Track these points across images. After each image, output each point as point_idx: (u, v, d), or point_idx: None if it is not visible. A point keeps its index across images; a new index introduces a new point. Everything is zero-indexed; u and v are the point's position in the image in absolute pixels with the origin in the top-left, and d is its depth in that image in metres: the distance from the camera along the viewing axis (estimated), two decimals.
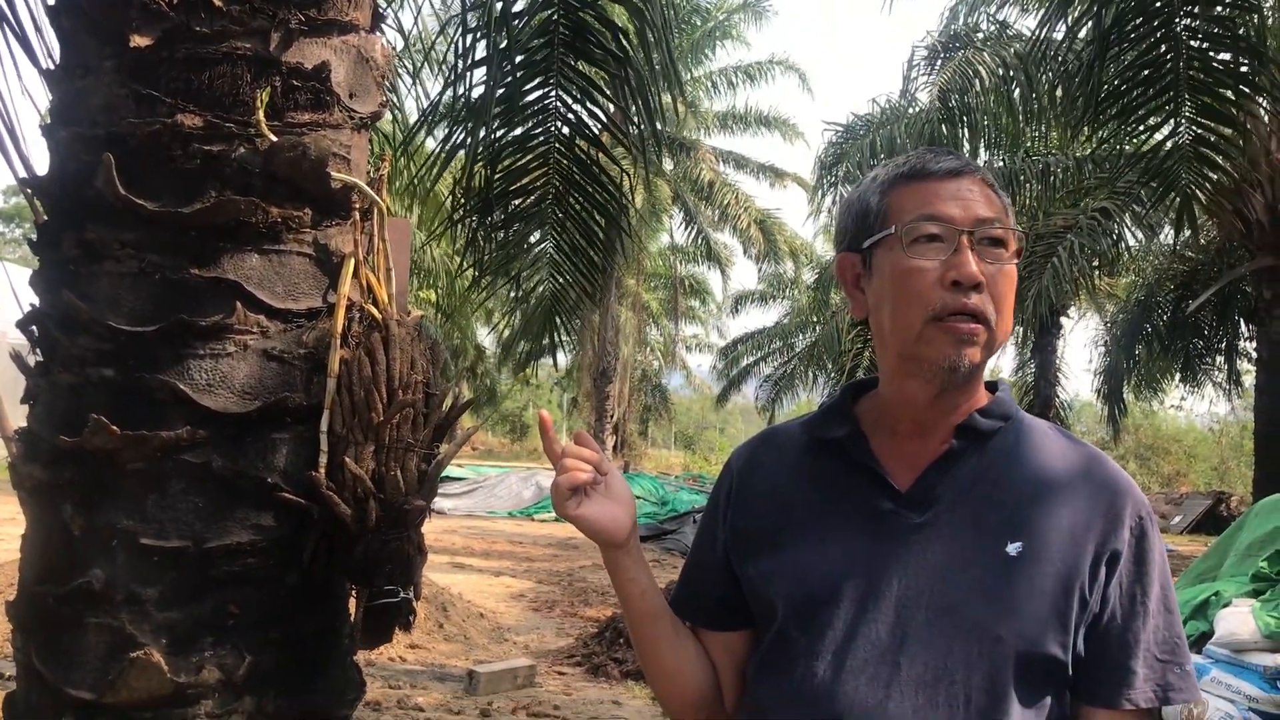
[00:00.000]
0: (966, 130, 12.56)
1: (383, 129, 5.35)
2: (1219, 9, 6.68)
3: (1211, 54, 6.91)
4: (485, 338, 33.16)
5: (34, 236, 2.33)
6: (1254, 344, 15.27)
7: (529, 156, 4.95)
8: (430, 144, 5.32)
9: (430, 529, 2.31)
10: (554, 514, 1.63)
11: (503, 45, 4.02)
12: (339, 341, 2.25)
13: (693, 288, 38.03)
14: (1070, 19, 7.59)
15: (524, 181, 5.04)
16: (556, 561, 14.39)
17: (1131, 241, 15.25)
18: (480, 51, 4.18)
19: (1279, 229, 11.96)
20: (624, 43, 4.47)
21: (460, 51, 4.11)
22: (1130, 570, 1.45)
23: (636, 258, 27.70)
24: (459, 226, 5.08)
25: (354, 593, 2.35)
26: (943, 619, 1.42)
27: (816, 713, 1.45)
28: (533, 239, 5.57)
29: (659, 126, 4.71)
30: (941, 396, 1.48)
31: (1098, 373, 20.84)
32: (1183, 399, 25.60)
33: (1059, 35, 8.06)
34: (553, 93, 4.68)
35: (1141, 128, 7.58)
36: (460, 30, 4.11)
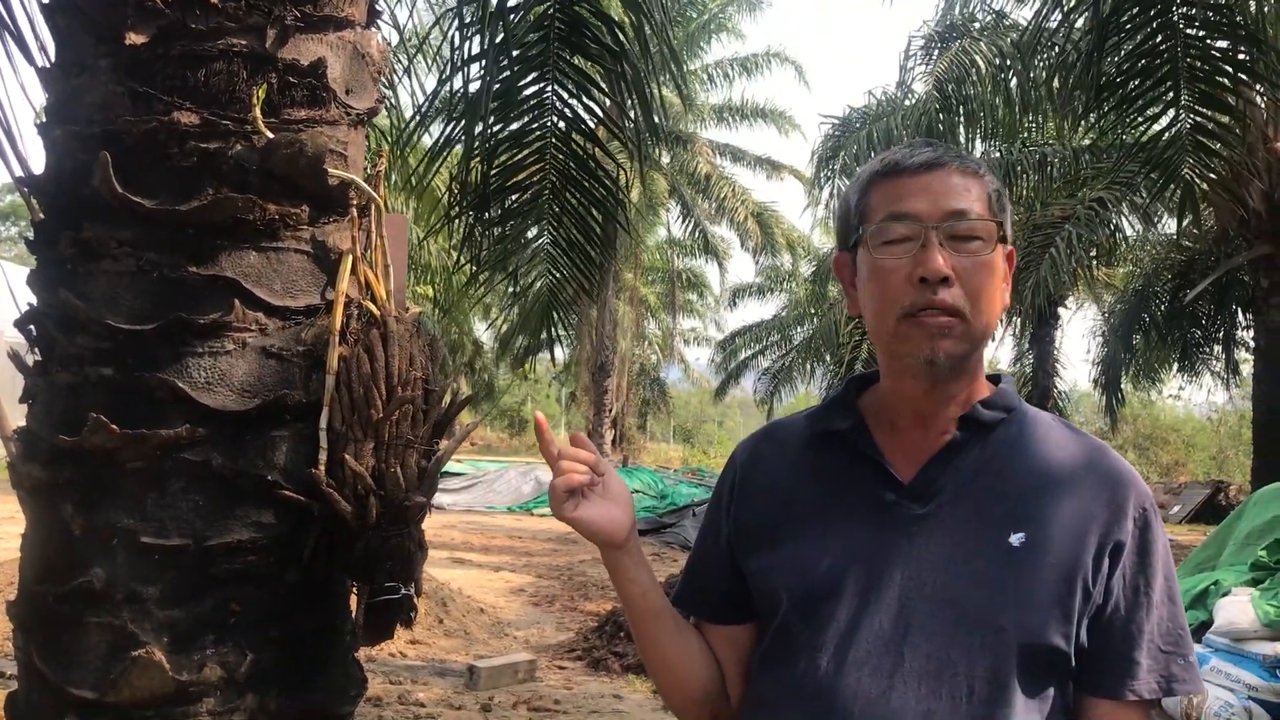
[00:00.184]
0: (963, 120, 12.56)
1: (378, 124, 5.34)
2: None
3: (1209, 42, 6.90)
4: (483, 333, 33.17)
5: (31, 235, 2.32)
6: (1252, 333, 15.29)
7: (525, 152, 4.95)
8: (426, 139, 5.32)
9: (429, 524, 2.31)
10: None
11: (498, 40, 4.01)
12: (338, 338, 2.25)
13: (690, 281, 38.08)
14: (1066, 7, 7.59)
15: (520, 177, 5.04)
16: (556, 556, 14.40)
17: (1129, 231, 15.25)
18: (476, 47, 4.18)
19: (1276, 218, 11.97)
20: (620, 37, 4.47)
21: (456, 46, 4.10)
22: (1133, 561, 1.46)
23: (634, 251, 27.71)
24: (456, 222, 5.07)
25: (355, 590, 2.35)
26: (945, 610, 1.43)
27: (819, 705, 1.45)
28: (530, 234, 5.57)
29: (657, 120, 4.70)
30: (935, 389, 1.49)
31: (1095, 363, 20.87)
32: (1181, 388, 25.65)
33: (1055, 24, 8.05)
34: (549, 88, 4.67)
35: (1140, 117, 7.58)
36: (456, 25, 4.10)
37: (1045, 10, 7.86)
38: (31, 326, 2.30)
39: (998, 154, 13.93)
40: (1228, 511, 12.17)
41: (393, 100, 5.52)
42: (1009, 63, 11.66)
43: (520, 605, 10.66)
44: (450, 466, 20.16)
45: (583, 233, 5.43)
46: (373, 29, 2.54)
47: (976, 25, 13.56)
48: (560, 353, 7.04)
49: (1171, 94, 6.99)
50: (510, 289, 6.19)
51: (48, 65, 2.39)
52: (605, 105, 4.99)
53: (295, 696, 2.23)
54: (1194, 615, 6.61)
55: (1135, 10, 6.61)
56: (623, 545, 1.60)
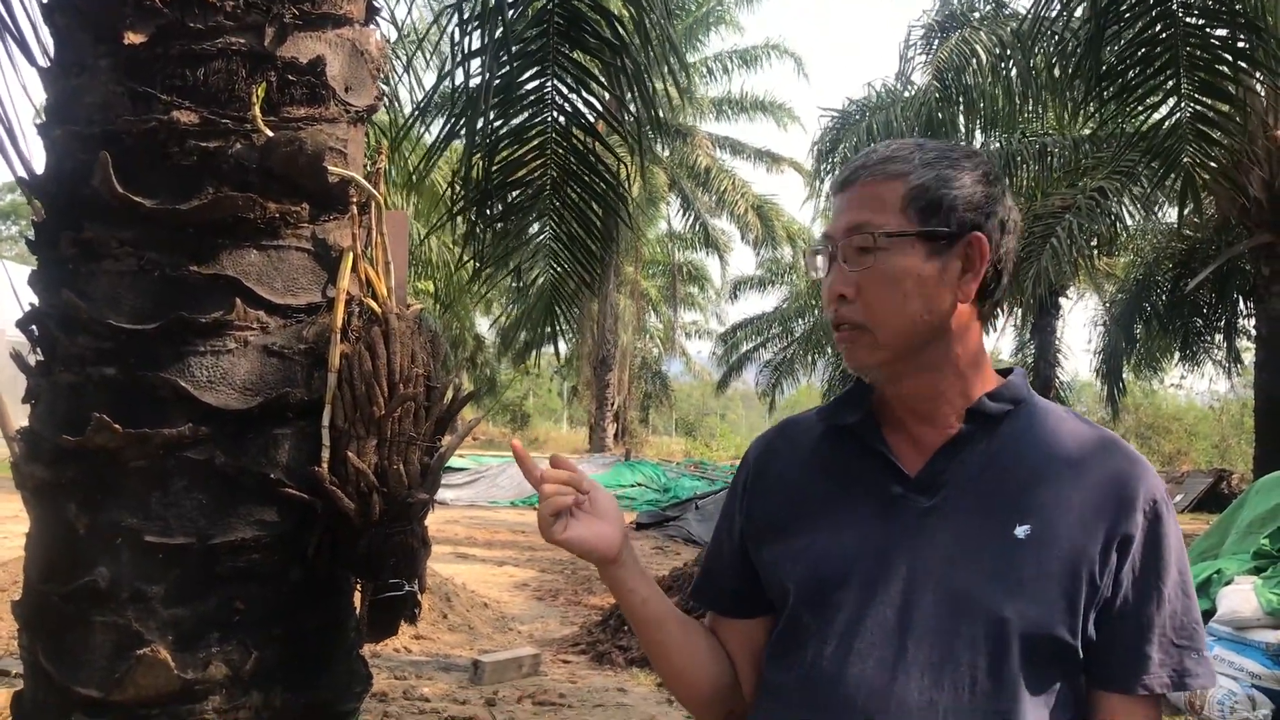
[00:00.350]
0: (963, 110, 12.55)
1: (377, 120, 5.34)
2: None
3: (1209, 30, 6.89)
4: (485, 328, 33.17)
5: (32, 235, 2.32)
6: (1253, 321, 15.27)
7: (526, 147, 4.95)
8: (426, 136, 5.32)
9: (433, 520, 2.32)
10: None
11: (498, 35, 4.01)
12: (339, 336, 2.25)
13: (691, 274, 38.08)
14: None
15: (522, 173, 5.03)
16: (559, 550, 14.33)
17: (1129, 221, 15.22)
18: (476, 42, 4.17)
19: (1277, 206, 11.96)
20: (619, 30, 4.46)
21: (456, 42, 4.10)
22: (1143, 555, 1.45)
23: (634, 245, 27.71)
24: (458, 219, 5.07)
25: (359, 586, 2.35)
26: (949, 602, 1.43)
27: (824, 695, 1.46)
28: (532, 230, 5.57)
29: (659, 114, 4.70)
30: (891, 389, 1.54)
31: (1097, 352, 20.85)
32: (1182, 377, 25.60)
33: (1054, 13, 8.03)
34: (549, 82, 4.67)
35: (1140, 106, 7.56)
36: (456, 20, 4.10)
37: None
38: (33, 326, 2.30)
39: (998, 144, 13.91)
40: (1230, 500, 12.18)
41: (392, 97, 5.52)
42: (1009, 53, 11.64)
43: (524, 600, 10.68)
44: (453, 461, 20.15)
45: (584, 227, 5.43)
46: (371, 26, 2.54)
47: (976, 15, 13.55)
48: (563, 347, 7.03)
49: (1171, 82, 6.98)
50: (514, 284, 6.20)
51: (48, 65, 2.39)
52: (605, 99, 4.99)
53: (300, 693, 2.24)
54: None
55: None
56: (616, 559, 1.61)
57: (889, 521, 1.50)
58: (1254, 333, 14.89)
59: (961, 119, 12.73)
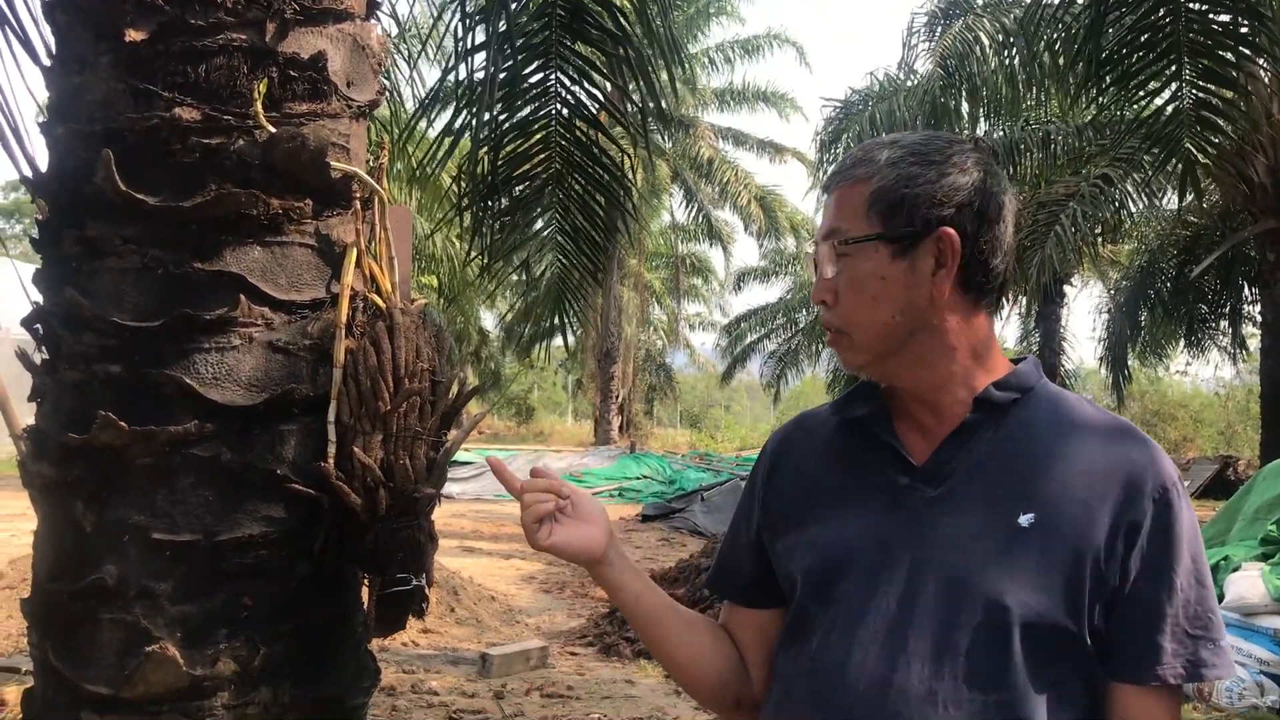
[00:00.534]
0: (967, 98, 12.52)
1: (379, 116, 5.34)
2: None
3: (1211, 15, 6.86)
4: (489, 322, 33.17)
5: (35, 233, 2.33)
6: (1258, 307, 15.22)
7: (531, 141, 4.94)
8: (430, 131, 5.31)
9: (439, 514, 2.32)
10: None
11: (501, 29, 4.01)
12: (344, 332, 2.25)
13: (695, 266, 38.04)
14: None
15: (527, 166, 5.03)
16: None
17: (1133, 208, 15.18)
18: (479, 36, 4.17)
19: None
20: (622, 21, 4.46)
21: (459, 36, 4.10)
22: (1153, 542, 1.42)
23: (638, 237, 27.68)
24: (465, 214, 5.07)
25: (366, 581, 2.36)
26: (951, 590, 1.42)
27: (827, 683, 1.47)
28: (539, 223, 5.57)
29: (662, 104, 4.69)
30: (895, 384, 1.55)
31: (1101, 340, 20.78)
32: (1188, 364, 25.57)
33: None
34: (553, 75, 4.66)
35: (1142, 92, 7.54)
36: (459, 15, 4.10)
37: None
38: (38, 325, 2.30)
39: (1001, 132, 13.88)
40: (1236, 487, 12.15)
41: (394, 92, 5.52)
42: (1012, 40, 11.61)
43: (531, 592, 10.68)
44: (459, 456, 20.17)
45: (588, 219, 5.42)
46: (372, 21, 2.54)
47: (980, 1, 13.51)
48: (564, 340, 7.04)
49: (1172, 69, 6.95)
50: (523, 277, 6.20)
51: (50, 63, 2.39)
52: (609, 91, 4.99)
53: (309, 688, 2.25)
54: None
55: None
56: (603, 559, 1.63)
57: (895, 512, 1.50)
58: (1259, 319, 14.84)
59: (965, 106, 12.69)
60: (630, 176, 5.38)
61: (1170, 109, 7.33)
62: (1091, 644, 1.43)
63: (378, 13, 2.65)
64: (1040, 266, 13.92)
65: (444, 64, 4.41)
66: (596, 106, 4.93)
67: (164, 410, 2.14)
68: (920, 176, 1.48)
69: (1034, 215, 13.78)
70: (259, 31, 2.23)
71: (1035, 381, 1.54)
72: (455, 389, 2.34)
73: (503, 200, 5.11)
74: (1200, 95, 7.20)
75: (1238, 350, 19.66)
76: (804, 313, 29.73)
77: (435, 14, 5.02)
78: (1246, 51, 7.13)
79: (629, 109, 4.91)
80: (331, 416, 2.22)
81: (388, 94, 3.98)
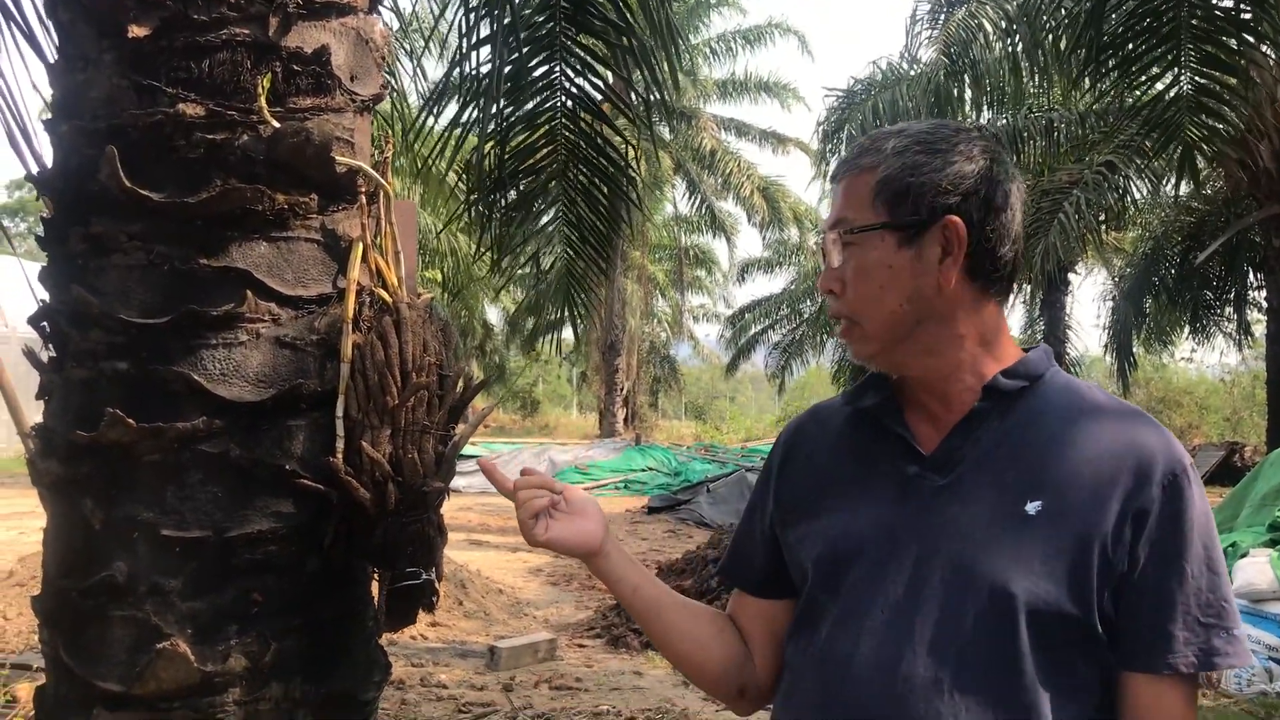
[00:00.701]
0: (970, 86, 12.48)
1: (381, 111, 5.33)
2: None
3: (1213, 1, 6.83)
4: (493, 315, 33.17)
5: (40, 231, 2.32)
6: (1264, 293, 15.19)
7: (537, 133, 4.94)
8: (433, 125, 5.30)
9: (446, 507, 2.33)
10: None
11: (506, 22, 4.00)
12: (351, 326, 2.25)
13: (698, 257, 38.01)
14: None
15: (533, 160, 5.03)
16: None
17: (1138, 195, 15.14)
18: (484, 30, 4.16)
19: None
20: (624, 12, 4.45)
21: (464, 31, 4.09)
22: (1162, 528, 1.41)
23: (641, 229, 27.65)
24: (473, 208, 5.07)
25: (376, 576, 2.36)
26: (957, 578, 1.43)
27: (834, 672, 1.47)
28: (546, 216, 5.57)
29: (666, 95, 4.68)
30: (904, 373, 1.55)
31: (1106, 328, 20.76)
32: (1193, 351, 25.55)
33: None
34: (557, 67, 4.66)
35: (1143, 78, 7.51)
36: (463, 9, 4.09)
37: None
38: (45, 323, 2.30)
39: (1005, 120, 13.84)
40: (1243, 473, 12.14)
41: (395, 89, 5.51)
42: (1015, 26, 11.56)
43: (538, 585, 10.71)
44: (465, 449, 20.22)
45: (594, 210, 5.42)
46: (375, 14, 2.53)
47: None
48: (574, 332, 7.06)
49: (1173, 54, 6.93)
50: (533, 270, 6.21)
51: (53, 60, 2.39)
52: (613, 82, 4.98)
53: (320, 683, 2.25)
54: None
55: None
56: (600, 551, 1.67)
57: (904, 501, 1.50)
58: (1264, 305, 14.82)
59: (969, 94, 12.66)
60: (634, 167, 5.38)
61: (1170, 95, 7.31)
62: (1103, 632, 1.42)
63: (380, 6, 2.65)
64: (1044, 254, 13.90)
65: (446, 59, 4.41)
66: (600, 98, 4.93)
67: (172, 407, 2.13)
68: (926, 165, 1.48)
69: (1037, 203, 13.75)
70: (262, 26, 2.23)
71: (1045, 369, 1.54)
72: (462, 383, 2.33)
73: (510, 194, 5.12)
74: (1202, 81, 7.18)
75: (1243, 336, 19.65)
76: (808, 303, 29.71)
77: (439, 9, 5.00)
78: (1249, 38, 7.11)
79: (633, 99, 4.90)
80: (339, 412, 2.21)
81: (390, 90, 3.96)
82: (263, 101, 2.19)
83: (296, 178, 2.25)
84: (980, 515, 1.45)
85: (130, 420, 2.08)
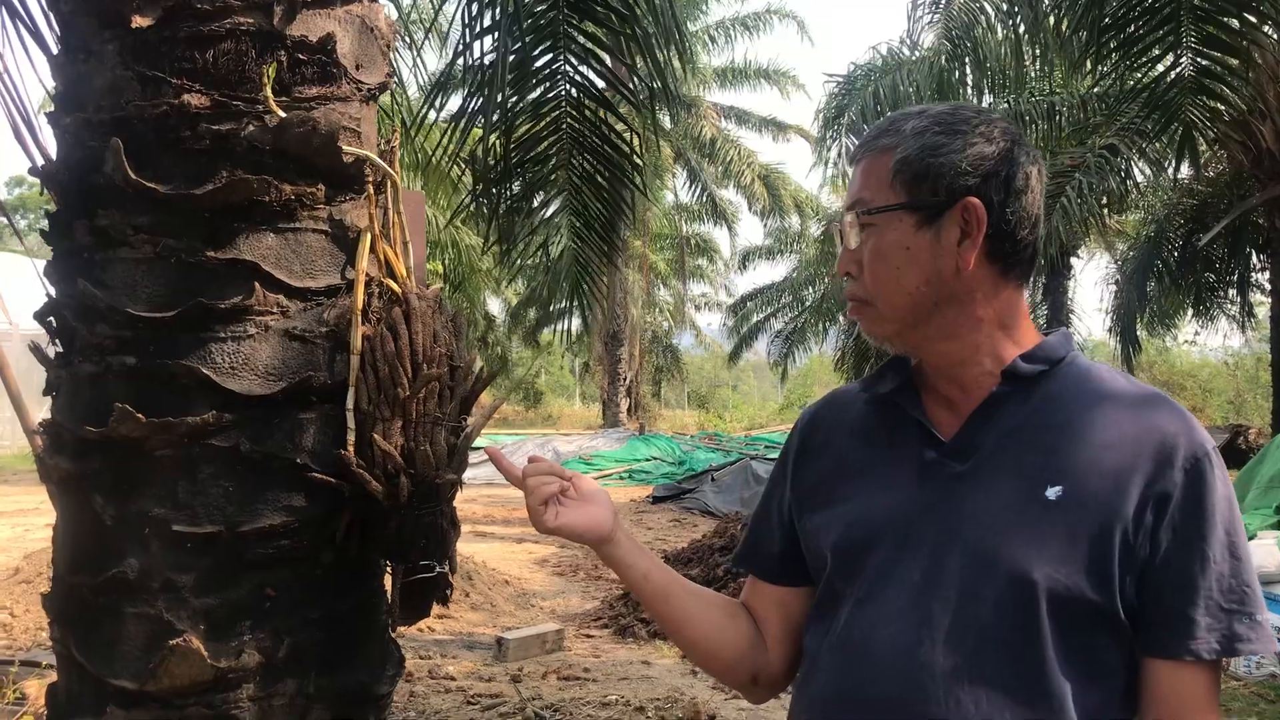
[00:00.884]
0: (972, 69, 12.43)
1: (382, 104, 5.31)
2: None
3: None
4: (494, 307, 33.16)
5: (42, 228, 2.30)
6: (1266, 274, 15.16)
7: (542, 123, 4.92)
8: (434, 116, 5.28)
9: None
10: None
11: (510, 10, 3.98)
12: (360, 318, 2.23)
13: (700, 246, 37.97)
14: None
15: (539, 149, 5.01)
16: None
17: (1140, 178, 15.10)
18: (486, 19, 4.14)
19: None
20: None
21: (467, 20, 4.07)
22: (1184, 513, 1.39)
23: (642, 219, 27.62)
24: (478, 199, 5.04)
25: (389, 569, 2.34)
26: (975, 565, 1.40)
27: (852, 659, 1.46)
28: (553, 206, 5.55)
29: (669, 81, 4.66)
30: (921, 356, 1.54)
31: (1109, 311, 20.72)
32: (1196, 334, 25.48)
33: None
34: (561, 56, 4.63)
35: (1144, 59, 7.48)
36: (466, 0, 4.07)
37: None
38: (51, 318, 2.28)
39: (1006, 104, 13.79)
40: (1248, 455, 12.14)
41: (397, 81, 5.48)
42: (1016, 8, 11.51)
43: (545, 576, 10.69)
44: None
45: (600, 199, 5.40)
46: (379, 2, 2.51)
47: None
48: (577, 322, 7.05)
49: (1174, 36, 6.89)
50: (543, 259, 6.20)
51: (56, 52, 2.36)
52: (617, 70, 4.96)
53: (335, 678, 2.23)
54: None
55: None
56: (610, 538, 1.66)
57: (923, 486, 1.48)
58: (1268, 286, 14.79)
59: (970, 79, 12.61)
60: (640, 154, 5.36)
61: (1171, 76, 7.27)
62: (1126, 618, 1.40)
63: None
64: (1047, 239, 13.84)
65: (447, 51, 4.39)
66: (604, 86, 4.90)
67: (181, 401, 2.12)
68: (945, 146, 1.46)
69: None
70: (266, 15, 2.20)
71: (1065, 353, 1.52)
72: (473, 374, 2.32)
73: (515, 185, 5.09)
74: (1203, 62, 7.14)
75: (1246, 318, 19.61)
76: (810, 290, 29.70)
77: (439, 0, 4.98)
78: (1251, 18, 7.07)
79: (636, 85, 4.88)
80: (350, 404, 2.20)
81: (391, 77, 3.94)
82: (268, 91, 2.17)
83: (303, 168, 2.22)
84: (1000, 501, 1.43)
85: (140, 415, 2.06)
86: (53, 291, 2.29)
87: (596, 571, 10.59)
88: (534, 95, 4.78)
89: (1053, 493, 1.40)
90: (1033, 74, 12.51)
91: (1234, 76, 7.41)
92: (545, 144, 5.01)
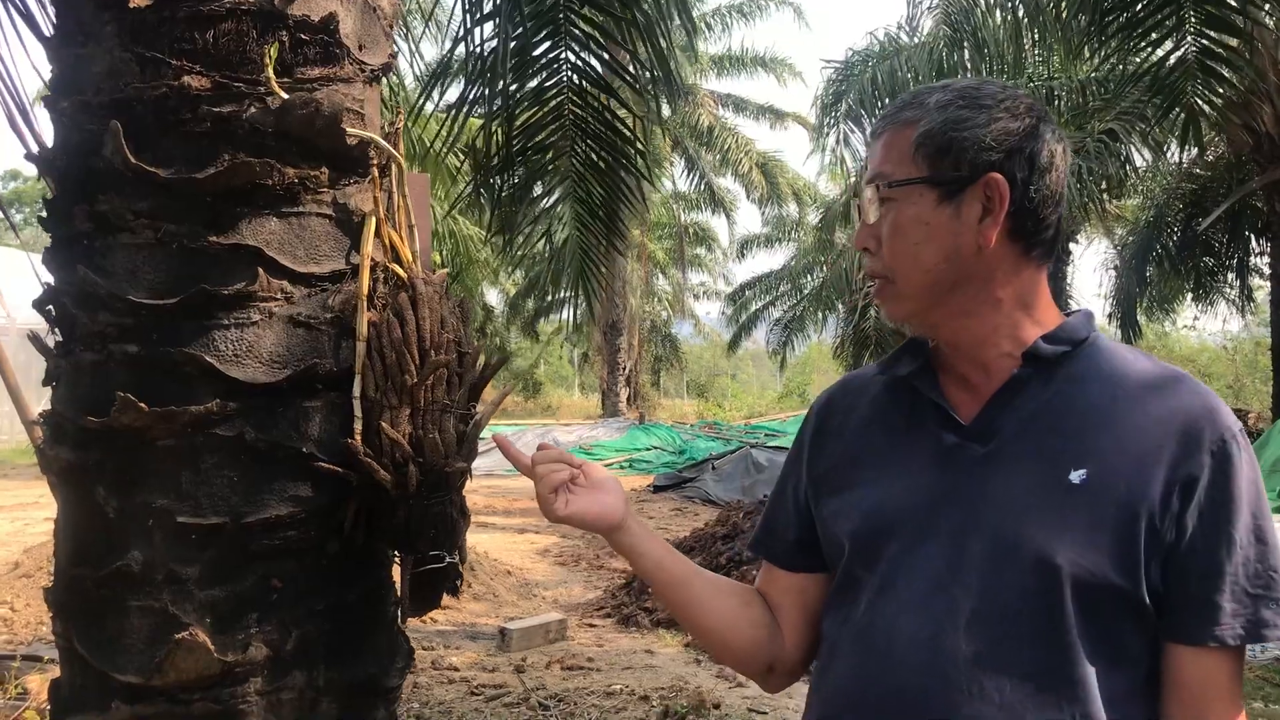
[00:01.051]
0: (971, 54, 12.39)
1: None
2: None
3: None
4: (493, 297, 33.10)
5: (35, 221, 2.26)
6: (1265, 259, 15.14)
7: (544, 110, 4.88)
8: (431, 106, 5.24)
9: None
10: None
11: None
12: (366, 303, 2.19)
13: (698, 235, 37.94)
14: None
15: (541, 136, 4.97)
16: None
17: (1140, 162, 15.06)
18: (487, 5, 4.10)
19: None
20: None
21: (467, 7, 4.03)
22: (1211, 496, 1.36)
23: (640, 209, 27.58)
24: (480, 188, 5.01)
25: (398, 560, 2.30)
26: (999, 550, 1.37)
27: (873, 646, 1.43)
28: (555, 194, 5.52)
29: (671, 68, 4.62)
30: (939, 336, 1.50)
31: (1109, 297, 20.72)
32: (1195, 318, 25.50)
33: None
34: (562, 43, 4.59)
35: (1145, 43, 7.44)
36: None
37: None
38: (50, 306, 2.24)
39: None
40: (1250, 440, 12.13)
41: (396, 73, 5.44)
42: None
43: (547, 566, 10.68)
44: None
45: (603, 185, 5.37)
46: None
47: None
48: (589, 308, 7.02)
49: (1176, 18, 6.84)
50: (546, 247, 6.17)
51: (51, 35, 2.31)
52: (619, 58, 4.92)
53: (343, 670, 2.20)
54: None
55: None
56: (622, 525, 1.63)
57: (943, 471, 1.45)
58: (1267, 270, 14.77)
59: (968, 63, 12.56)
60: (642, 140, 5.33)
61: (1173, 59, 7.23)
62: (1151, 603, 1.37)
63: None
64: None
65: (443, 40, 4.36)
66: (606, 72, 4.86)
67: (184, 390, 2.08)
68: (969, 120, 1.42)
69: None
70: None
71: (1087, 334, 1.48)
72: (481, 360, 2.27)
73: (518, 173, 5.06)
74: (1205, 44, 7.10)
75: (1245, 303, 19.61)
76: (809, 278, 29.67)
77: None
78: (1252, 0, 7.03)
79: (637, 71, 4.84)
80: (356, 392, 2.16)
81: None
82: (270, 72, 2.12)
83: (306, 150, 2.18)
84: (1022, 485, 1.39)
85: (142, 404, 2.02)
86: (50, 281, 2.24)
87: (599, 561, 10.58)
88: (535, 82, 4.74)
89: (1076, 476, 1.37)
90: (1031, 59, 12.45)
91: (1236, 58, 7.36)
92: (547, 131, 4.97)
